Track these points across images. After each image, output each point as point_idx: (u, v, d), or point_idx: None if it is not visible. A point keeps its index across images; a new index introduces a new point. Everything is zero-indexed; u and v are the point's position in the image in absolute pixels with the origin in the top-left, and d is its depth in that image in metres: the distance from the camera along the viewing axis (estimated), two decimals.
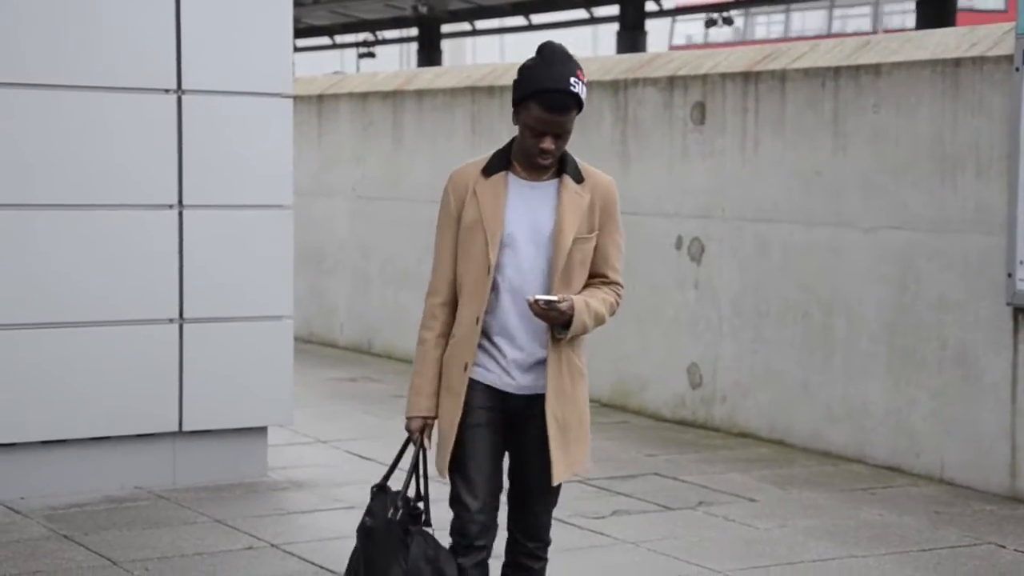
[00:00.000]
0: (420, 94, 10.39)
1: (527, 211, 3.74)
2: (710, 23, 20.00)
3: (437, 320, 3.82)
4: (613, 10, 19.95)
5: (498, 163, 3.77)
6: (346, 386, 9.46)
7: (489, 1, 19.83)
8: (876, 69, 7.13)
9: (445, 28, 23.04)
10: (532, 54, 3.76)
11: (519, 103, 3.69)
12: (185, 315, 6.54)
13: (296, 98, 10.18)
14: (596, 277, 3.80)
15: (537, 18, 21.70)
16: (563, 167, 3.77)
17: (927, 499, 6.50)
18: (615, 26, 19.78)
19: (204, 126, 6.54)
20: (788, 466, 7.13)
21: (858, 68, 7.22)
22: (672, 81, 8.16)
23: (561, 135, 3.67)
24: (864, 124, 7.19)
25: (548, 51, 3.71)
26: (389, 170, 10.70)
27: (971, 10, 26.08)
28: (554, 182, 3.77)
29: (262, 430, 6.79)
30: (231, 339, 6.64)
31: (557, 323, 3.68)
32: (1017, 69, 6.35)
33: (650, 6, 19.46)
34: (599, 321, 3.77)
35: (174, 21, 6.45)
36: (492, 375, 3.77)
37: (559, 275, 3.72)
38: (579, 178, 3.77)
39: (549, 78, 3.64)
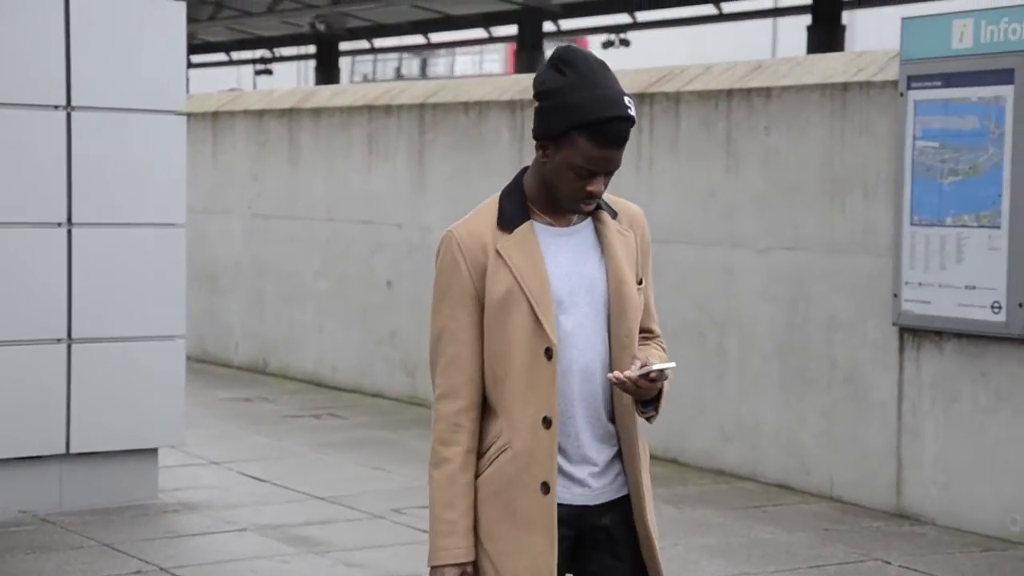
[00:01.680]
0: (317, 112, 10.34)
1: (571, 267, 2.87)
2: (607, 44, 20.16)
3: (462, 431, 2.85)
4: (511, 30, 20.05)
5: (515, 211, 2.87)
6: (240, 406, 9.36)
7: (388, 19, 19.81)
8: (767, 92, 7.24)
9: (343, 46, 22.97)
10: (546, 65, 2.85)
11: (557, 136, 2.79)
12: (74, 335, 6.42)
13: (190, 115, 10.08)
14: (640, 333, 2.98)
15: (436, 36, 21.73)
16: None
17: (816, 516, 6.60)
18: (513, 46, 19.88)
19: (94, 143, 6.44)
20: (682, 485, 7.19)
21: (750, 91, 7.33)
22: None
23: (612, 172, 2.84)
24: (756, 146, 7.30)
25: (583, 62, 2.80)
26: (285, 188, 10.63)
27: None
28: (587, 223, 2.92)
29: (153, 451, 6.69)
30: (121, 359, 6.54)
31: (646, 398, 2.85)
32: (901, 94, 6.50)
33: (548, 26, 19.58)
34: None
35: (63, 36, 6.35)
36: (571, 492, 2.87)
37: (630, 340, 2.88)
38: (612, 212, 2.95)
39: (604, 102, 2.77)
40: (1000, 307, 6.14)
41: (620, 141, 2.79)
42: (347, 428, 8.64)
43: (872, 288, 6.73)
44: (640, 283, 2.94)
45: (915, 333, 6.54)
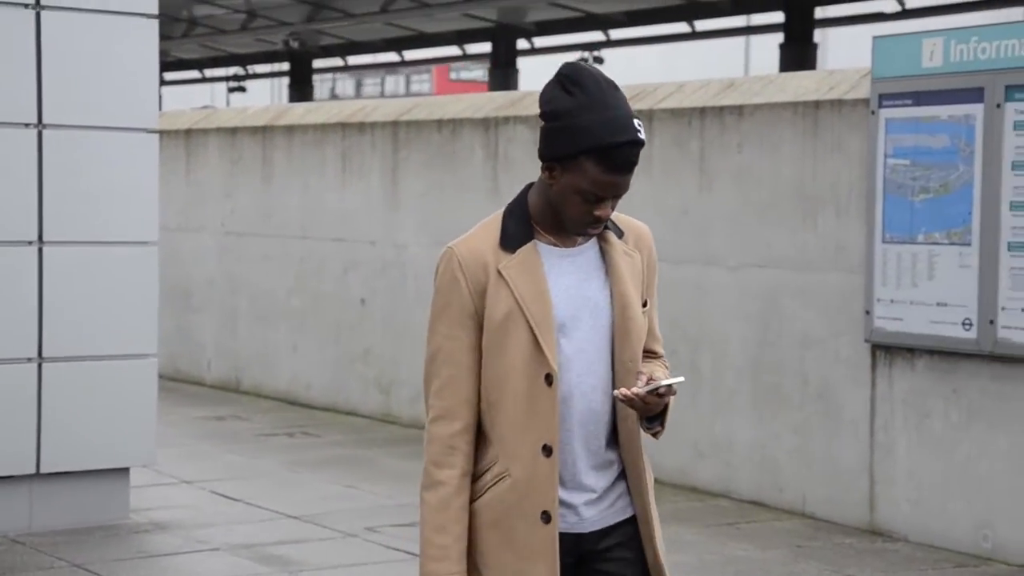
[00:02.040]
0: (290, 129, 10.33)
1: (575, 289, 2.79)
2: (581, 62, 20.21)
3: (457, 454, 2.77)
4: (485, 47, 20.09)
5: (519, 231, 2.79)
6: (212, 425, 9.32)
7: (361, 37, 19.81)
8: (740, 110, 7.27)
9: (317, 63, 22.95)
10: (553, 82, 2.75)
11: (564, 159, 2.71)
12: (44, 354, 6.38)
13: (163, 133, 10.05)
14: (644, 354, 2.91)
15: (410, 54, 21.75)
16: None
17: (790, 533, 6.61)
18: (487, 64, 19.92)
19: (66, 161, 6.41)
20: (656, 502, 7.18)
21: (722, 109, 7.36)
22: None
23: (620, 196, 2.75)
24: (729, 163, 7.32)
25: (591, 82, 2.72)
26: (259, 206, 10.61)
27: (459, 80, 28.95)
28: (592, 243, 2.84)
29: (124, 471, 6.64)
30: (92, 378, 6.50)
31: (651, 414, 2.79)
32: (873, 112, 6.53)
33: (522, 44, 19.62)
34: None
35: (34, 53, 6.32)
36: (566, 520, 2.80)
37: (635, 365, 2.81)
38: (619, 231, 2.87)
39: (613, 126, 2.68)
40: (971, 324, 6.17)
41: (629, 166, 2.71)
42: (321, 446, 8.61)
43: (844, 305, 6.75)
44: (645, 305, 2.86)
45: (887, 350, 6.56)
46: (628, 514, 2.85)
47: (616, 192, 2.73)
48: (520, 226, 2.79)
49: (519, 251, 2.77)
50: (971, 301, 6.16)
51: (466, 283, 2.77)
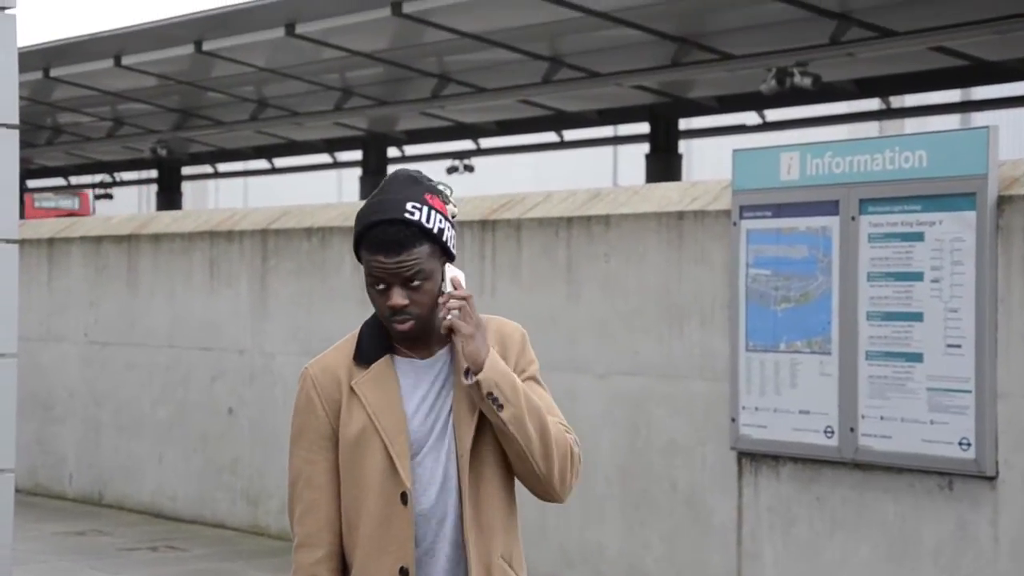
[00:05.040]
0: (157, 238, 10.22)
1: (431, 401, 2.73)
2: (452, 170, 20.40)
3: None
4: (356, 155, 20.17)
5: (374, 345, 2.72)
6: (73, 540, 9.05)
7: (231, 144, 19.76)
8: (606, 220, 7.39)
9: (186, 170, 22.81)
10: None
11: (359, 258, 2.71)
12: None
13: (24, 242, 9.88)
14: None
15: (280, 162, 21.73)
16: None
17: None
18: (358, 171, 20.00)
19: None
20: None
21: (589, 218, 7.47)
22: None
23: (412, 281, 2.64)
24: (596, 272, 7.42)
25: (390, 178, 2.74)
26: (123, 315, 10.44)
27: (42, 208, 27.34)
28: (447, 351, 2.78)
29: None
30: None
31: (469, 354, 2.67)
32: (735, 223, 6.69)
33: (392, 152, 19.76)
34: (543, 433, 2.83)
35: None
36: None
37: (467, 482, 2.71)
38: None
39: (371, 209, 2.67)
40: (832, 431, 6.29)
41: (391, 246, 2.62)
42: (186, 560, 8.41)
43: (711, 413, 6.83)
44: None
45: (753, 457, 6.65)
46: None
47: (391, 278, 2.64)
48: (375, 340, 2.72)
49: (373, 366, 2.69)
50: (832, 409, 6.29)
51: (321, 403, 2.70)
